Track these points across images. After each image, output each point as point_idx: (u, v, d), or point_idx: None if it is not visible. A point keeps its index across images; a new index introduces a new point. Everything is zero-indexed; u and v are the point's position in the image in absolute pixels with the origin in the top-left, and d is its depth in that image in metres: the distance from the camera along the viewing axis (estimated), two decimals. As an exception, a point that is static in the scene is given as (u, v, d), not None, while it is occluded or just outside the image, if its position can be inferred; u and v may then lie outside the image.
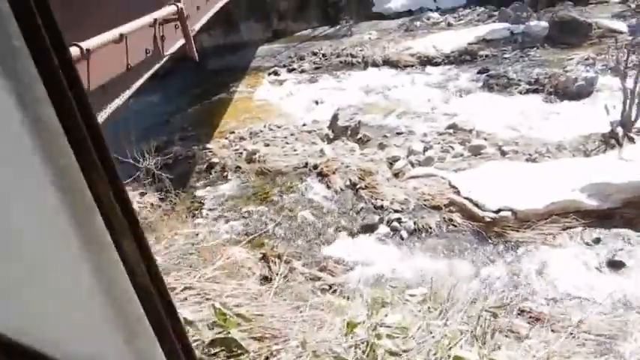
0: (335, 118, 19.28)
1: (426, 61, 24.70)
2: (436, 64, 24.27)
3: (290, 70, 27.71)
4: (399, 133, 18.56)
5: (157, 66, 10.15)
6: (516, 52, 23.29)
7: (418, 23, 29.92)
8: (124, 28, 8.16)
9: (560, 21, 23.40)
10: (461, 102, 20.34)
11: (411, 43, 26.93)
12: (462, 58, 24.08)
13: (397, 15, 32.09)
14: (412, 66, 24.72)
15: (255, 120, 22.34)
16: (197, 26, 12.79)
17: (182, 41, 11.24)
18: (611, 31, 22.38)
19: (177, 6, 10.33)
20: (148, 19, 9.09)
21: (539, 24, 24.26)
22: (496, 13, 27.83)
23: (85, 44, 6.92)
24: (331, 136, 18.93)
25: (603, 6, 26.66)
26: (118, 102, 8.77)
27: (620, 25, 23.00)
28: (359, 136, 18.85)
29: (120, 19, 8.52)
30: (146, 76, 9.61)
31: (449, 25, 28.94)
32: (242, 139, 20.39)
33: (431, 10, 31.30)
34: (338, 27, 32.84)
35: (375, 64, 25.74)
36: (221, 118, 23.42)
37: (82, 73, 7.56)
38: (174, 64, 20.74)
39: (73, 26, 7.87)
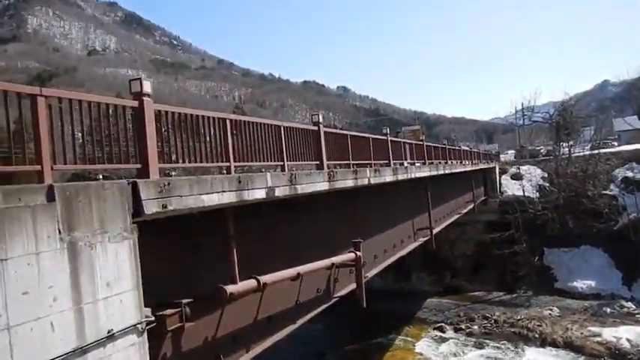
0: (500, 396, 17.25)
1: (618, 356, 21.54)
2: (632, 364, 20.96)
3: (457, 330, 26.33)
4: None
5: (323, 306, 10.34)
6: None
7: (608, 310, 27.03)
8: (303, 268, 8.66)
9: None
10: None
11: (598, 329, 24.09)
12: (665, 362, 20.55)
13: (583, 296, 29.60)
14: (600, 357, 21.67)
15: (411, 375, 21.01)
16: (371, 274, 13.17)
17: (353, 286, 11.53)
18: None
19: (356, 254, 10.86)
20: (326, 262, 9.61)
21: None
22: None
23: (264, 278, 7.38)
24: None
25: None
26: (279, 335, 8.86)
27: None
28: None
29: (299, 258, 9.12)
30: (311, 314, 9.77)
31: (647, 319, 25.61)
32: (392, 393, 19.12)
33: (624, 298, 28.34)
34: (515, 295, 31.21)
35: (554, 344, 23.18)
36: (375, 365, 22.50)
37: (254, 303, 7.93)
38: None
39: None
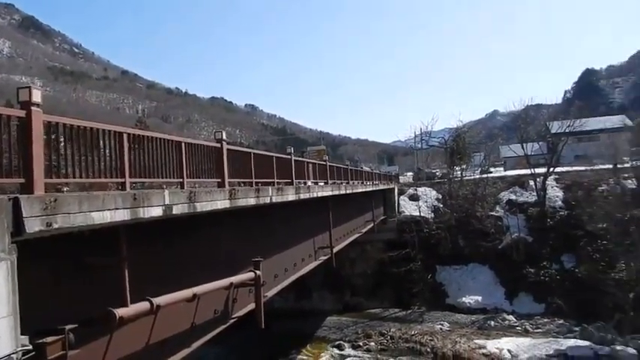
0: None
1: (500, 366, 23.08)
2: (511, 372, 22.53)
3: (355, 347, 26.82)
4: None
5: (221, 328, 10.12)
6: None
7: (492, 323, 29.01)
8: (200, 289, 8.43)
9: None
10: None
11: (483, 342, 25.71)
12: (541, 372, 22.28)
13: (471, 311, 31.55)
14: (485, 368, 23.10)
15: (308, 395, 21.05)
16: (271, 293, 13.11)
17: (253, 306, 11.41)
18: None
19: (256, 273, 10.77)
20: (225, 282, 9.43)
21: (626, 350, 22.54)
22: (577, 329, 26.47)
23: (157, 300, 7.09)
24: None
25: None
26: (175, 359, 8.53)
27: None
28: None
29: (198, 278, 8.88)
30: (208, 337, 9.52)
31: (526, 331, 27.71)
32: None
33: (506, 312, 30.54)
34: (410, 311, 32.52)
35: (444, 357, 24.39)
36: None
37: (147, 327, 7.60)
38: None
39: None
